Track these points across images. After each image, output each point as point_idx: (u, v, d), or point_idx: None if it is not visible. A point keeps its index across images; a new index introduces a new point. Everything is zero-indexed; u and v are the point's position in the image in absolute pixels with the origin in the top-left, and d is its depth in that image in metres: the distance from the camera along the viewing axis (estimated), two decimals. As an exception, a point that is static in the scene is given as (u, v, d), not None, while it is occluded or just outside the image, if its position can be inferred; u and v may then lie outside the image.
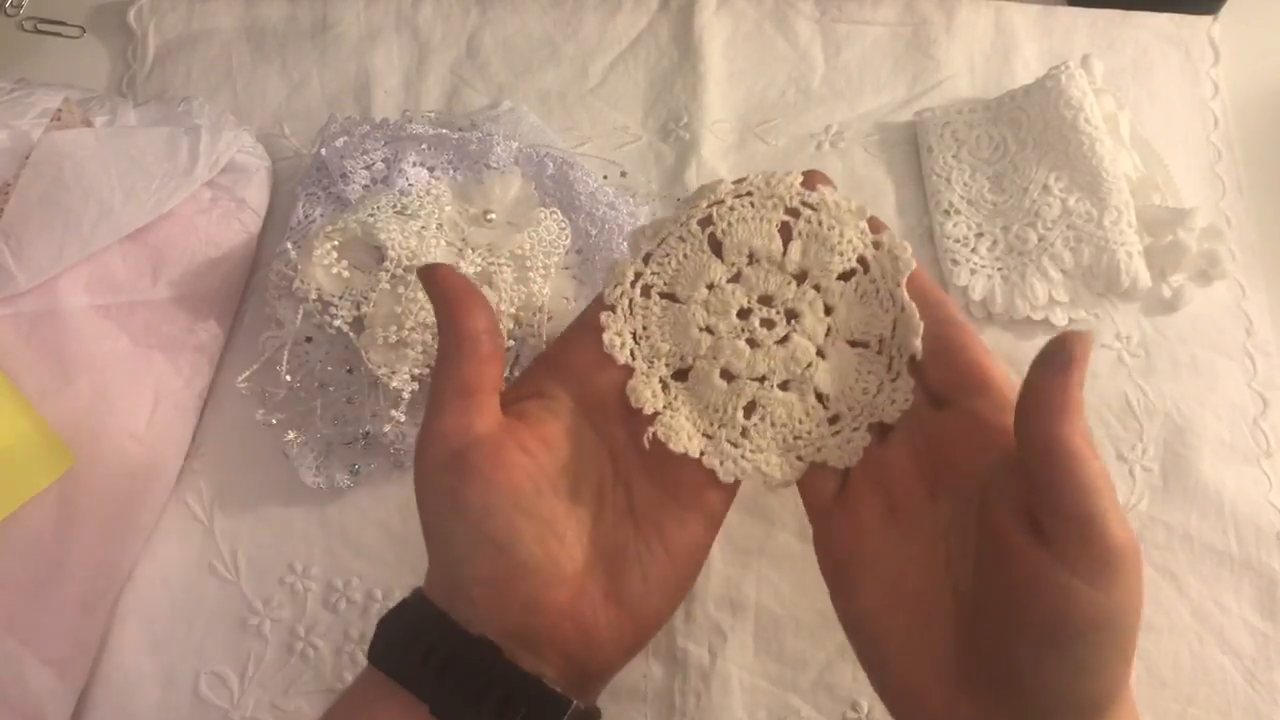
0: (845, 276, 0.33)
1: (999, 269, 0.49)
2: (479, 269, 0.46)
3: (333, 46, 0.57)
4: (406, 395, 0.45)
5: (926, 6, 0.56)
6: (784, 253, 0.33)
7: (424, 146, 0.49)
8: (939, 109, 0.53)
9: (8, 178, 0.45)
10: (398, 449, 0.46)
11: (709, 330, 0.33)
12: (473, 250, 0.46)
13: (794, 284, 0.33)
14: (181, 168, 0.48)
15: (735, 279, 0.34)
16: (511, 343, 0.46)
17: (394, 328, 0.44)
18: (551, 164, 0.49)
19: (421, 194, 0.47)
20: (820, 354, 0.33)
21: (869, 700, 0.43)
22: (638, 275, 0.34)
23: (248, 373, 0.47)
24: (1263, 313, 0.50)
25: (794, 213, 0.33)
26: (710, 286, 0.33)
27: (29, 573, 0.42)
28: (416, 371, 0.45)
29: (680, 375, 0.34)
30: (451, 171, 0.49)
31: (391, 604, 0.44)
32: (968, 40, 0.56)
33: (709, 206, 0.33)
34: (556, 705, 0.29)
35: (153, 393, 0.46)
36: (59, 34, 0.57)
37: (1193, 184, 0.52)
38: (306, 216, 0.49)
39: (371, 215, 0.45)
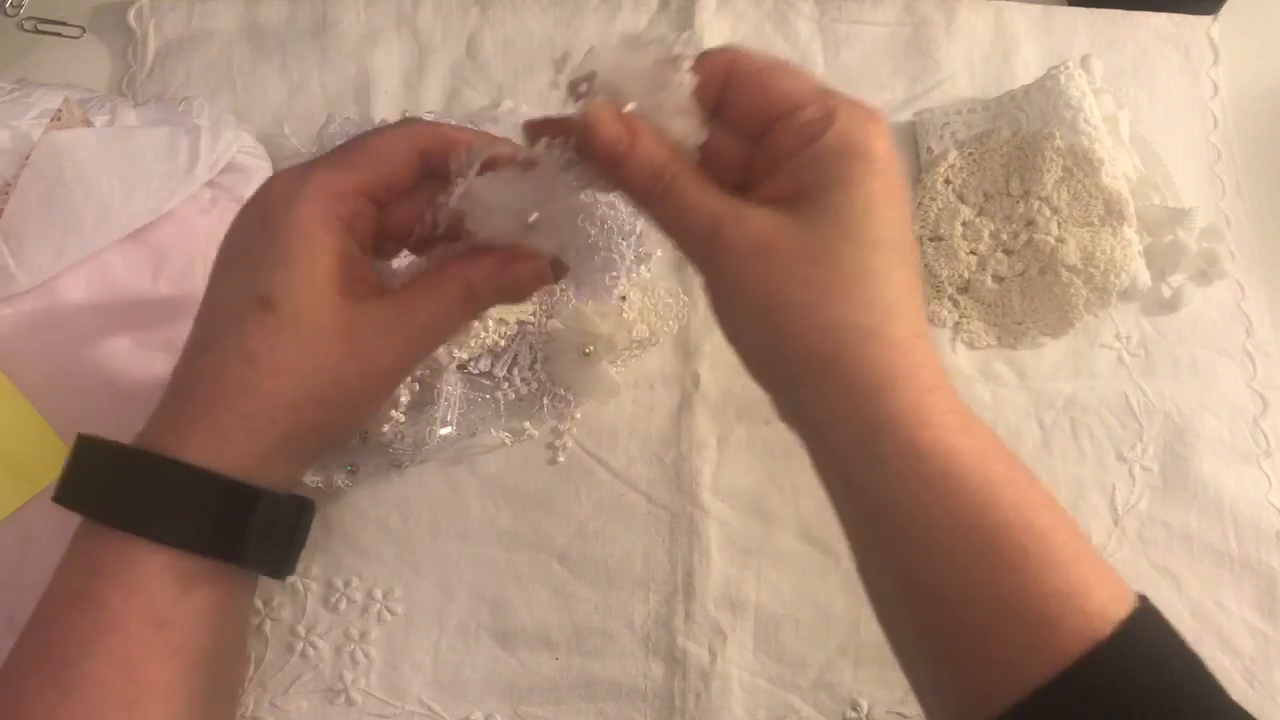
0: (1057, 184, 0.47)
1: (999, 269, 0.49)
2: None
3: (333, 46, 0.57)
4: (404, 396, 0.45)
5: (926, 6, 0.56)
6: (1007, 187, 0.47)
7: (424, 146, 0.49)
8: (939, 109, 0.53)
9: (8, 178, 0.45)
10: (395, 449, 0.45)
11: (973, 253, 0.47)
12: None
13: (1021, 203, 0.47)
14: (181, 168, 0.47)
15: (980, 214, 0.47)
16: (506, 341, 0.46)
17: (394, 328, 0.44)
18: (551, 164, 0.49)
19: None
20: (1060, 240, 0.46)
21: (869, 700, 0.43)
22: None
23: (247, 373, 0.47)
24: (1263, 313, 0.50)
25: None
26: (964, 224, 0.47)
27: (29, 573, 0.42)
28: (415, 372, 0.45)
29: (962, 290, 0.48)
30: (451, 171, 0.49)
31: (391, 603, 0.44)
32: (968, 40, 0.56)
33: (945, 170, 0.48)
34: None
35: (153, 393, 0.46)
36: (59, 34, 0.57)
37: (1193, 184, 0.52)
38: (306, 216, 0.49)
39: (371, 215, 0.45)
